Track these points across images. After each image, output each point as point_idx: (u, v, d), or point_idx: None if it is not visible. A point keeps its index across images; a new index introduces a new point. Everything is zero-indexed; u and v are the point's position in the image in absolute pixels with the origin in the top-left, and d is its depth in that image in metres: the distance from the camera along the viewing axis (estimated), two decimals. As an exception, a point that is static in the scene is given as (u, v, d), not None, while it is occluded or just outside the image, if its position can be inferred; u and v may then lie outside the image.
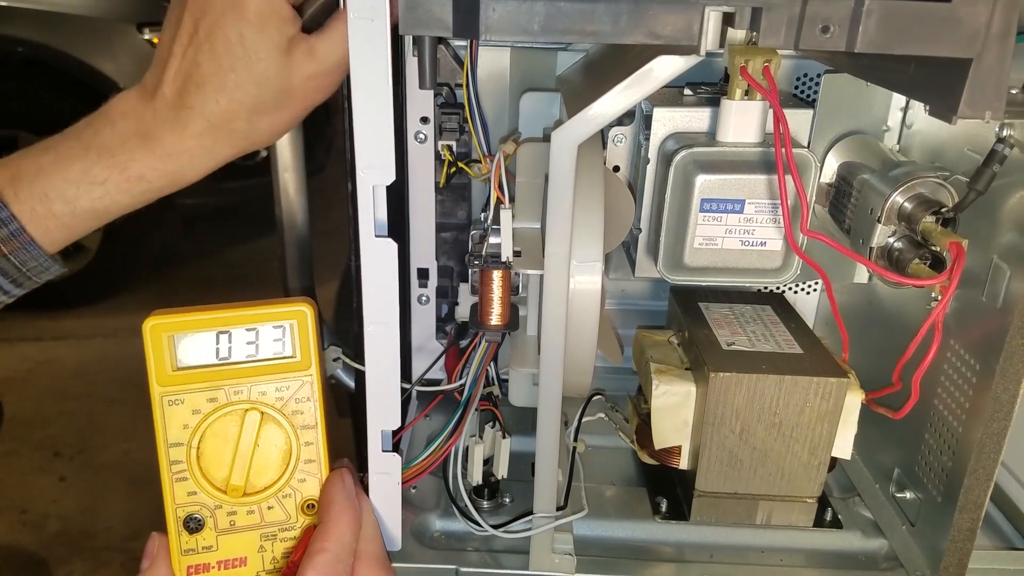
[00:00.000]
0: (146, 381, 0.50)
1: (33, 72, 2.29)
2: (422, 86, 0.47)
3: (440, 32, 0.43)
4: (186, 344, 0.50)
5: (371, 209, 0.48)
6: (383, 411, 0.54)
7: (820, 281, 0.83)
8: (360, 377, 0.55)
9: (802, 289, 0.83)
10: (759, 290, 0.78)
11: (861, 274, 0.71)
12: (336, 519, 0.50)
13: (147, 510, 1.77)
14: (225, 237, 3.14)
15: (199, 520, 0.51)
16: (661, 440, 0.65)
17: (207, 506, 0.51)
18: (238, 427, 0.50)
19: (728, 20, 0.43)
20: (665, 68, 0.46)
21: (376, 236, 0.49)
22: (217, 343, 0.50)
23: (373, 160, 0.47)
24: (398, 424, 0.55)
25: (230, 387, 0.50)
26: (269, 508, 0.52)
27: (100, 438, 2.07)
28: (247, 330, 0.50)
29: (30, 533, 1.81)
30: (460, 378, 0.68)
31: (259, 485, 0.52)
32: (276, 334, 0.51)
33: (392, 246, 0.49)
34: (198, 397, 0.50)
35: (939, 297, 0.52)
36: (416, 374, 0.81)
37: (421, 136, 0.72)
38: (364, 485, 0.56)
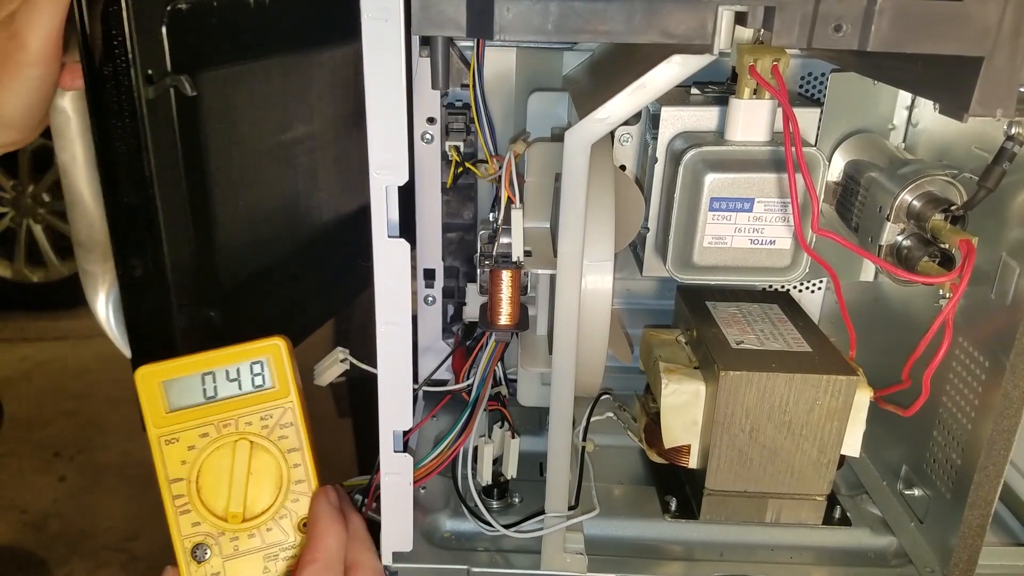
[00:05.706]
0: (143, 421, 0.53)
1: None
2: (435, 87, 0.47)
3: (453, 32, 0.43)
4: (175, 388, 0.53)
5: (384, 210, 0.48)
6: (395, 411, 0.54)
7: (824, 280, 0.83)
8: (358, 377, 0.55)
9: (806, 288, 0.83)
10: (763, 289, 0.78)
11: (867, 272, 0.72)
12: (323, 532, 0.53)
13: (147, 510, 1.77)
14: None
15: (205, 548, 0.53)
16: (671, 439, 0.65)
17: (211, 535, 0.53)
18: (231, 457, 0.53)
19: (740, 19, 0.43)
20: (681, 67, 0.46)
21: (389, 237, 0.49)
22: (203, 384, 0.54)
23: (387, 161, 0.47)
24: (410, 424, 0.55)
25: (219, 422, 0.54)
26: (268, 530, 0.55)
27: (100, 438, 2.07)
28: (228, 369, 0.54)
29: (30, 533, 1.81)
30: (467, 378, 0.68)
31: (257, 510, 0.54)
32: (255, 369, 0.54)
33: (405, 246, 0.49)
34: (191, 434, 0.53)
35: (948, 295, 0.53)
36: (423, 375, 0.81)
37: (427, 136, 0.72)
38: (375, 485, 0.56)
